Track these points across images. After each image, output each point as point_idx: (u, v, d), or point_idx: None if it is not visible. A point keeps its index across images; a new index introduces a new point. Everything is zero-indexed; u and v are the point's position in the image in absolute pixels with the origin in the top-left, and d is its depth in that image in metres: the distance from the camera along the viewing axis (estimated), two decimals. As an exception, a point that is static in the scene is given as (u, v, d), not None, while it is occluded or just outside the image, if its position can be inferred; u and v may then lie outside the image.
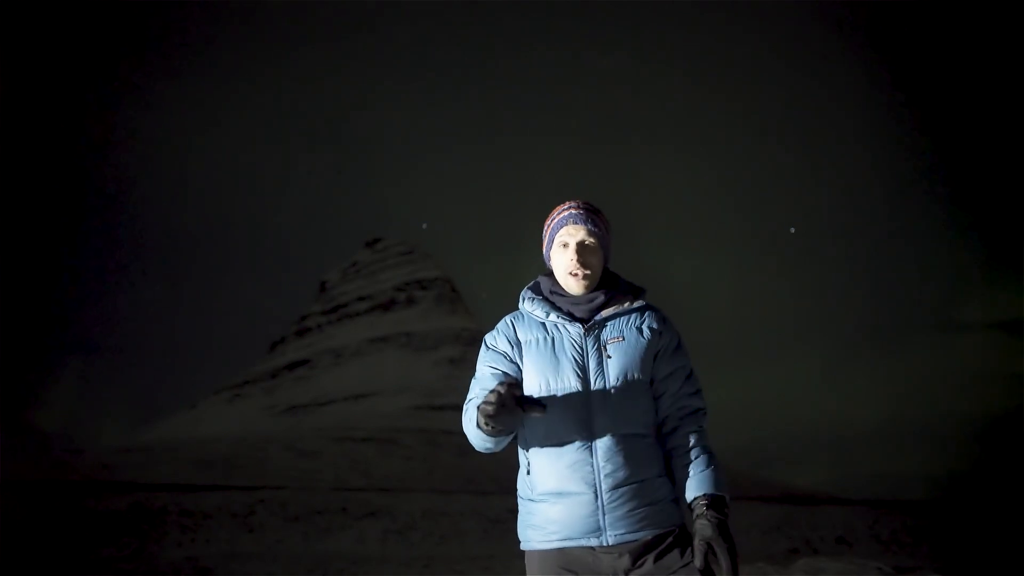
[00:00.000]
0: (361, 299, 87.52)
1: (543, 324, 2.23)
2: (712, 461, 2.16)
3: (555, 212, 2.27)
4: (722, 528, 2.06)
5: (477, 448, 2.18)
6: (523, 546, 2.21)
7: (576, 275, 2.20)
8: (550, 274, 2.31)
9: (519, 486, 2.24)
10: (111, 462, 31.98)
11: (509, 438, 2.17)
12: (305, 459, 36.95)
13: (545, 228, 2.29)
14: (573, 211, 2.23)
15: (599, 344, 2.18)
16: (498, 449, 2.19)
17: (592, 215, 2.24)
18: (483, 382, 2.22)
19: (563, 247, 2.22)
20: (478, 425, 2.06)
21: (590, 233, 2.21)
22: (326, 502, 21.78)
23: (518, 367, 2.22)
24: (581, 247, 2.20)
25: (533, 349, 2.20)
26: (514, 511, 2.30)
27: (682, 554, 2.12)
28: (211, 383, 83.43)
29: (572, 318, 2.21)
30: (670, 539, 2.13)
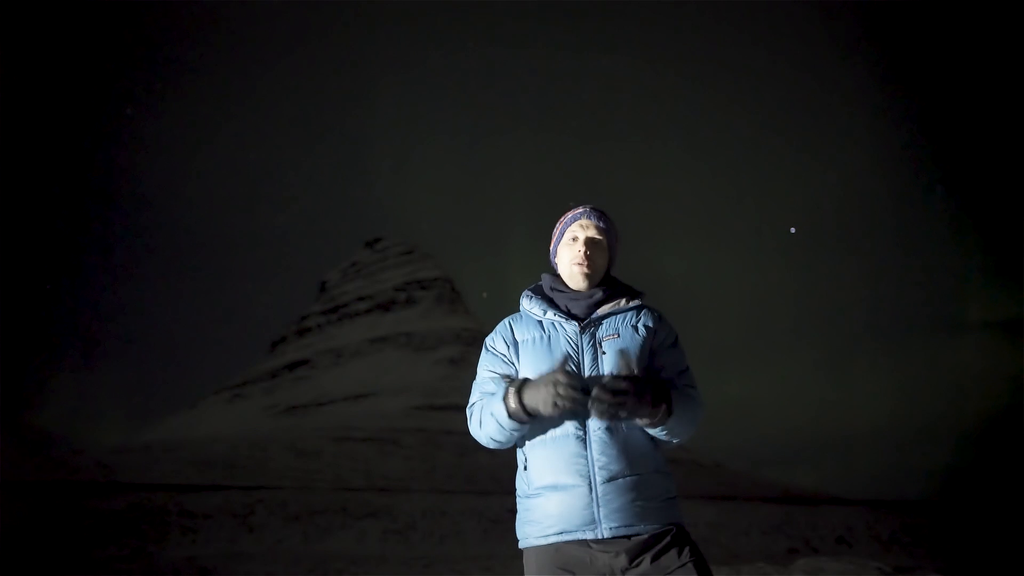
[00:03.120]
0: (361, 299, 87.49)
1: (540, 322, 2.30)
2: (686, 393, 2.20)
3: (569, 211, 2.40)
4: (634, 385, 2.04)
5: (490, 443, 2.23)
6: (521, 544, 2.24)
7: (580, 266, 2.29)
8: (554, 273, 2.40)
9: (517, 484, 2.28)
10: (111, 462, 31.96)
11: (524, 431, 2.21)
12: (305, 459, 36.94)
13: (557, 225, 2.40)
14: (587, 209, 2.36)
15: (594, 341, 2.23)
16: (509, 444, 2.25)
17: (604, 217, 2.36)
18: (483, 386, 2.29)
19: (572, 240, 2.33)
20: (519, 412, 2.11)
21: (600, 231, 2.33)
22: (326, 502, 21.78)
23: (515, 367, 2.27)
24: (590, 242, 2.31)
25: (530, 347, 2.26)
26: (514, 511, 2.32)
27: (679, 554, 2.14)
28: (211, 383, 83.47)
29: (569, 315, 2.28)
30: (667, 538, 2.15)
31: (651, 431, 2.16)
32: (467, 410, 2.31)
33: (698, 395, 2.25)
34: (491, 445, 2.24)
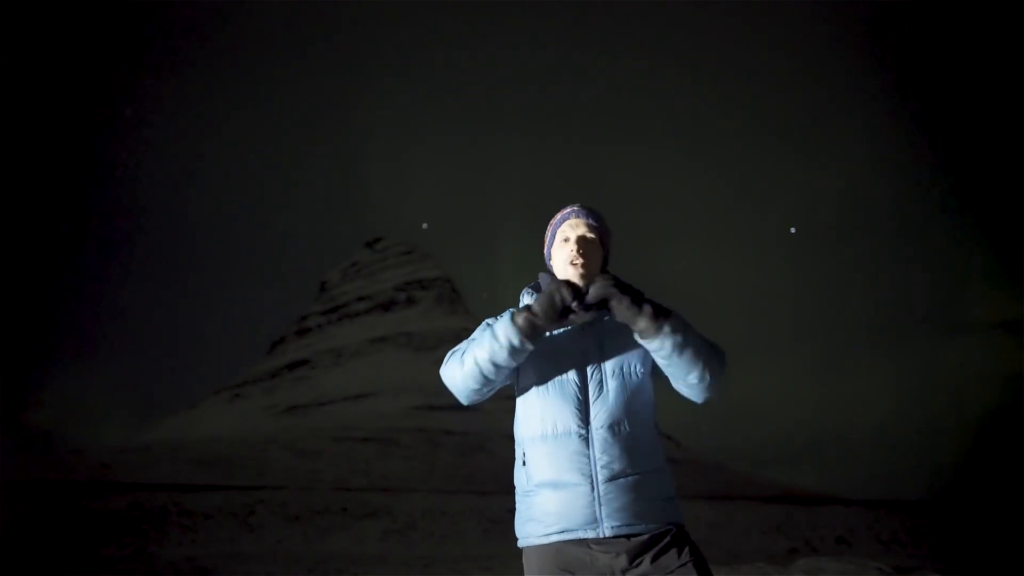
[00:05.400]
0: (361, 299, 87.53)
1: None
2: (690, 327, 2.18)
3: (558, 213, 2.34)
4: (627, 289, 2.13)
5: (470, 382, 2.17)
6: (521, 543, 2.22)
7: (575, 265, 2.23)
8: (551, 273, 2.35)
9: (516, 479, 2.25)
10: (111, 462, 32.01)
11: (503, 377, 2.17)
12: (305, 459, 36.98)
13: (548, 229, 2.35)
14: (575, 208, 2.31)
15: (599, 340, 2.21)
16: (485, 390, 2.19)
17: (593, 213, 2.31)
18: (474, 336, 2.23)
19: (564, 241, 2.28)
20: (497, 339, 2.09)
21: (590, 228, 2.27)
22: (326, 502, 21.79)
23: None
24: (581, 240, 2.26)
25: None
26: (514, 511, 2.28)
27: (679, 554, 2.13)
28: (211, 383, 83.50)
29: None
30: (667, 538, 2.14)
31: (657, 354, 2.13)
32: (447, 356, 2.23)
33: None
34: (468, 386, 2.17)
